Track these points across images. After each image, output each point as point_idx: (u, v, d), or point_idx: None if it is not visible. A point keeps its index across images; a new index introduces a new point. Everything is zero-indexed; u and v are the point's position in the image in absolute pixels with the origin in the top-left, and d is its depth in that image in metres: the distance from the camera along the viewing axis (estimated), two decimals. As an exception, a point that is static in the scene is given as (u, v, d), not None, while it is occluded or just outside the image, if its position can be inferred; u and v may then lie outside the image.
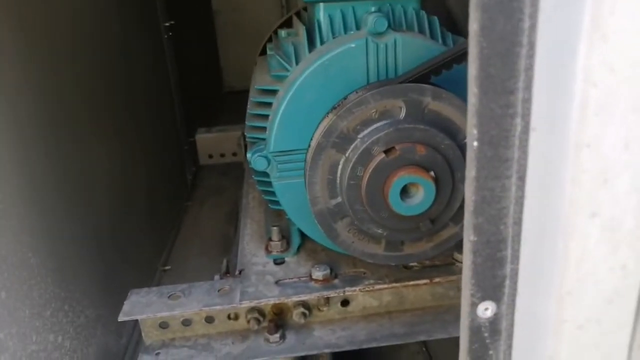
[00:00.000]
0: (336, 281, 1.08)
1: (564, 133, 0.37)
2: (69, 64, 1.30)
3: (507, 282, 0.47)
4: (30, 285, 1.01)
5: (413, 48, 0.98)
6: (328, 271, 1.08)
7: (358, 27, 1.02)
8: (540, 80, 0.38)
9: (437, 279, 1.09)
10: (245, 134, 1.11)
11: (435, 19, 1.07)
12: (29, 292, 1.00)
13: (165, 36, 2.30)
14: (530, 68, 0.39)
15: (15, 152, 1.02)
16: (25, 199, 1.03)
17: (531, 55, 0.39)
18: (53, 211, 1.14)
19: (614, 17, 0.33)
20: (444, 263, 1.12)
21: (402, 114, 0.90)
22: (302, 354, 1.06)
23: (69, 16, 1.33)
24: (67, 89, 1.27)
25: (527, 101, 0.40)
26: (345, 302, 1.10)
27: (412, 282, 1.09)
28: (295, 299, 1.05)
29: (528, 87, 0.40)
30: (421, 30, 1.03)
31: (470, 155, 0.42)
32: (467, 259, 0.46)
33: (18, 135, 1.04)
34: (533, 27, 0.38)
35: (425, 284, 1.10)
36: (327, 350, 1.07)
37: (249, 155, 1.04)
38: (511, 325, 0.48)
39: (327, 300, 1.09)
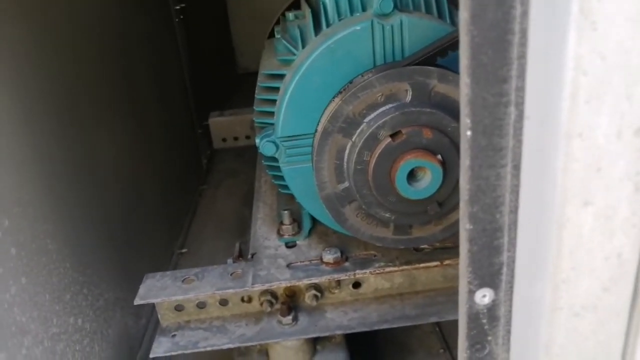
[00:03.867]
0: (347, 264, 1.09)
1: (556, 122, 0.36)
2: (75, 51, 1.31)
3: (505, 269, 0.47)
4: (49, 270, 1.04)
5: (420, 29, 0.96)
6: (339, 254, 1.09)
7: (364, 9, 1.01)
8: (533, 68, 0.38)
9: (447, 261, 1.09)
10: (254, 119, 1.11)
11: (444, -2, 1.04)
12: (48, 277, 1.04)
13: (177, 20, 2.30)
14: (522, 56, 0.38)
15: (27, 142, 1.04)
16: (39, 186, 1.06)
17: (523, 43, 0.38)
18: (68, 197, 1.17)
19: (602, 4, 0.32)
20: (455, 245, 1.11)
21: (409, 97, 0.89)
22: (315, 335, 1.08)
23: (76, 2, 1.34)
24: (75, 77, 1.29)
25: (521, 89, 0.40)
26: (356, 284, 1.11)
27: (422, 265, 1.09)
28: (306, 282, 1.07)
29: (521, 75, 0.39)
30: (428, 10, 1.01)
31: (464, 144, 0.42)
32: (463, 247, 0.46)
33: (31, 125, 1.06)
34: (525, 14, 0.37)
35: (436, 266, 1.10)
36: (339, 332, 1.09)
37: (257, 140, 1.04)
38: (509, 311, 0.49)
39: (339, 282, 1.10)
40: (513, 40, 0.38)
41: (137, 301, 1.04)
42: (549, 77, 0.36)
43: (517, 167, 0.42)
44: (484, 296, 0.48)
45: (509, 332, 0.49)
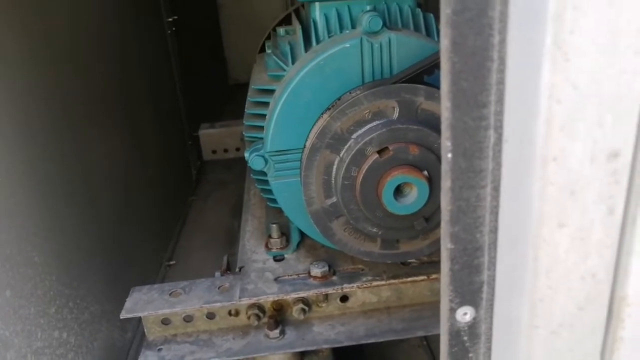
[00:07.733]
0: (334, 278, 1.10)
1: (532, 146, 0.38)
2: (71, 62, 1.31)
3: (485, 287, 0.48)
4: (34, 283, 1.04)
5: (408, 47, 0.98)
6: (326, 268, 1.09)
7: (354, 26, 1.03)
8: (511, 94, 0.39)
9: (434, 275, 1.10)
10: (244, 133, 1.12)
11: (431, 17, 1.07)
12: (33, 290, 1.03)
13: (169, 31, 2.32)
14: (501, 82, 0.40)
15: (19, 152, 1.04)
16: (28, 198, 1.05)
17: (502, 70, 0.39)
18: (57, 209, 1.17)
19: (573, 36, 0.33)
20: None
21: (396, 114, 0.91)
22: (302, 349, 1.08)
23: (69, 14, 1.35)
24: (68, 87, 1.29)
25: (500, 114, 0.41)
26: (344, 298, 1.12)
27: (410, 279, 1.10)
28: (294, 295, 1.07)
29: (500, 100, 0.40)
30: (417, 29, 1.03)
31: (445, 166, 0.43)
32: (444, 266, 0.47)
33: (22, 136, 1.06)
34: (503, 42, 0.39)
35: (423, 280, 1.11)
36: (326, 346, 1.09)
37: (246, 154, 1.05)
38: (490, 329, 0.49)
39: (326, 296, 1.10)
40: (492, 66, 0.39)
41: (124, 315, 1.04)
42: (526, 104, 0.38)
43: (496, 189, 0.43)
44: (465, 314, 0.48)
45: (489, 349, 0.50)
